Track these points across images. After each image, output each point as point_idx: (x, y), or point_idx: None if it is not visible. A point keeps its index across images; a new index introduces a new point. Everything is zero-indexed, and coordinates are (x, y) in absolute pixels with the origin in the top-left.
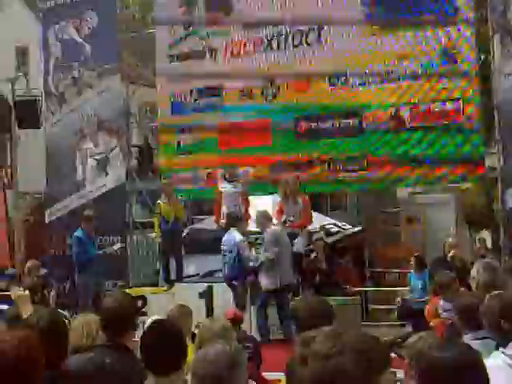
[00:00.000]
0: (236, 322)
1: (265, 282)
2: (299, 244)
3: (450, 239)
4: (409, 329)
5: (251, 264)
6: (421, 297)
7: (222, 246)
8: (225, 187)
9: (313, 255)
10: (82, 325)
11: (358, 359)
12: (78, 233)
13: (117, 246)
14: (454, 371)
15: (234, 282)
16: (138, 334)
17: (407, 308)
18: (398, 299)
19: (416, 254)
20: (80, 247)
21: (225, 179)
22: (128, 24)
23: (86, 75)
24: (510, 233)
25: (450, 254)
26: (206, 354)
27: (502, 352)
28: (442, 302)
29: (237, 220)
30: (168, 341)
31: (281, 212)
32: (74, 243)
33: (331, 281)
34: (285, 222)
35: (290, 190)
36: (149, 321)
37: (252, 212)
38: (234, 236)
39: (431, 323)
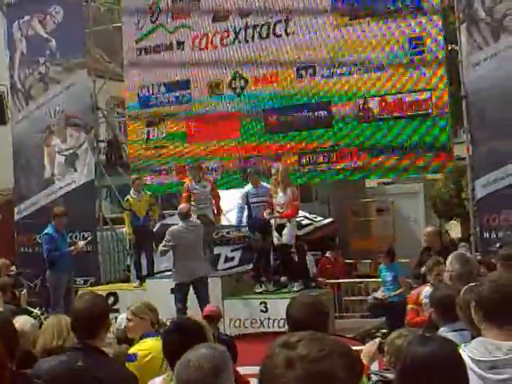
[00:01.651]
0: (213, 319)
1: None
2: (290, 236)
3: (428, 228)
4: (382, 319)
5: None
6: (391, 289)
7: None
8: (195, 188)
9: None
10: (53, 326)
11: (344, 364)
12: (49, 229)
13: (81, 244)
14: (433, 366)
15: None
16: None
17: (378, 304)
18: (369, 298)
19: (386, 248)
20: (51, 244)
21: (193, 179)
22: (94, 17)
23: (52, 70)
24: (480, 222)
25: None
26: (190, 360)
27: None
28: (427, 288)
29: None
30: (191, 340)
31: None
32: (44, 240)
33: (303, 273)
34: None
35: (281, 178)
36: (120, 317)
37: (225, 205)
38: None
39: (407, 307)
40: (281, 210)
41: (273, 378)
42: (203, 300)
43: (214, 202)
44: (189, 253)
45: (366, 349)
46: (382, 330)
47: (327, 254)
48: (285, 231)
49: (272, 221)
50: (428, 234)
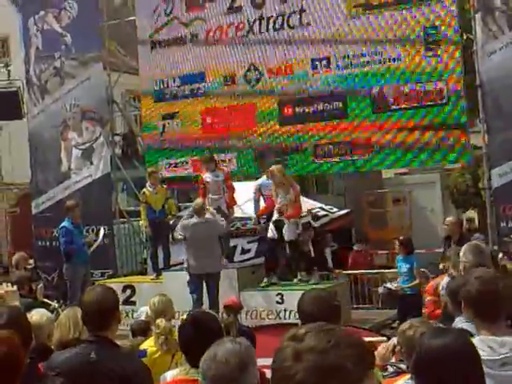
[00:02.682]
0: (233, 310)
1: None
2: (290, 232)
3: (449, 217)
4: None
5: None
6: (407, 281)
7: None
8: (208, 177)
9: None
10: (69, 318)
11: (352, 354)
12: (65, 223)
13: (99, 239)
14: (447, 358)
15: None
16: (128, 322)
17: (390, 295)
18: (380, 288)
19: (401, 238)
20: (67, 237)
21: (207, 170)
22: (109, 11)
23: (67, 65)
24: (497, 212)
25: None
26: (217, 354)
27: None
28: (445, 279)
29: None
30: (207, 333)
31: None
32: (60, 233)
33: (319, 264)
34: (279, 210)
35: (278, 180)
36: (140, 310)
37: (240, 197)
38: None
39: (426, 299)
40: (284, 207)
41: (282, 370)
42: (212, 296)
43: (227, 192)
44: (200, 247)
45: (381, 350)
46: (398, 321)
47: (356, 248)
48: (285, 228)
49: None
50: (449, 223)
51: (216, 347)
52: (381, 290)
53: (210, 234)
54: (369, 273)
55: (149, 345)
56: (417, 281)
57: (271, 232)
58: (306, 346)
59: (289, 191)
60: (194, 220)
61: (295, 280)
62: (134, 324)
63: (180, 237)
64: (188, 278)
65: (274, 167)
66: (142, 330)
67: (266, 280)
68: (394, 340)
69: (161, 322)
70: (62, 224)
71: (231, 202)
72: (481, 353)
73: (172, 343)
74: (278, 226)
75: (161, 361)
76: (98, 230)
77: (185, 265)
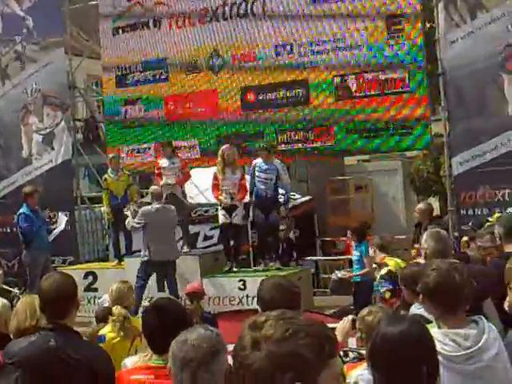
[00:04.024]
0: (196, 296)
1: None
2: (239, 216)
3: (420, 205)
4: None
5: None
6: (357, 268)
7: None
8: (164, 163)
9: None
10: (26, 306)
11: (311, 343)
12: (23, 209)
13: (61, 226)
14: (402, 345)
15: None
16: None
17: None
18: (333, 276)
19: (353, 226)
20: (26, 222)
21: (164, 156)
22: None
23: (29, 49)
24: (457, 199)
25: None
26: (188, 339)
27: None
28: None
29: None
30: (170, 321)
31: (217, 187)
32: (19, 220)
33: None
34: (230, 196)
35: (229, 160)
36: (103, 298)
37: (202, 183)
38: None
39: None
40: (232, 191)
41: (241, 358)
42: (170, 283)
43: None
44: (159, 234)
45: (340, 326)
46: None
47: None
48: (236, 212)
49: (226, 200)
50: (419, 210)
51: (187, 332)
52: (333, 276)
53: (169, 221)
54: (332, 259)
55: (108, 330)
56: (367, 268)
57: (223, 217)
58: (264, 334)
59: (236, 171)
60: (156, 206)
61: (258, 266)
62: (97, 310)
63: (137, 225)
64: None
65: (227, 146)
66: (105, 316)
67: (228, 266)
68: (350, 317)
69: (116, 308)
70: (20, 210)
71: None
72: (445, 347)
73: (129, 329)
74: (229, 210)
75: (120, 346)
76: (57, 218)
77: (143, 252)
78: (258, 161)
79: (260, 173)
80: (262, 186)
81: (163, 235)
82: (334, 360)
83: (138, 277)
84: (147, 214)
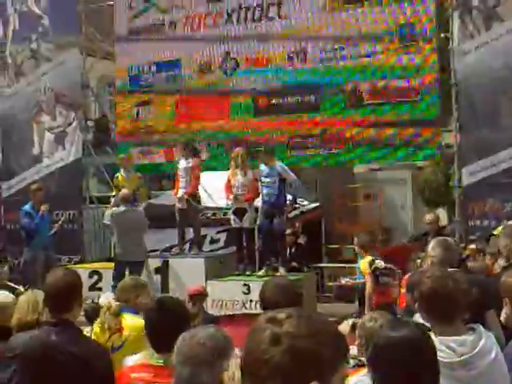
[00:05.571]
0: (199, 298)
1: None
2: (249, 219)
3: (431, 215)
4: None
5: None
6: (359, 278)
7: None
8: (181, 163)
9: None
10: (28, 301)
11: (330, 343)
12: (26, 206)
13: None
14: (402, 351)
15: None
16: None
17: (341, 289)
18: (335, 284)
19: (362, 240)
20: (26, 219)
21: (182, 156)
22: None
23: (44, 47)
24: (465, 210)
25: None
26: (195, 335)
27: None
28: None
29: None
30: (173, 320)
31: (229, 188)
32: (20, 216)
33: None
34: (235, 197)
35: (241, 161)
36: (103, 296)
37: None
38: None
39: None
40: (242, 193)
41: (256, 353)
42: None
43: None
44: (126, 235)
45: (340, 328)
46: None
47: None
48: (246, 215)
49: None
50: (431, 220)
51: (198, 330)
52: (337, 283)
53: (136, 222)
54: (337, 266)
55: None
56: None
57: (233, 222)
58: (286, 330)
59: (246, 174)
60: (122, 208)
61: (261, 272)
62: (85, 307)
63: (107, 223)
64: (157, 265)
65: (240, 148)
66: (95, 312)
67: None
68: (350, 320)
69: (105, 299)
70: (23, 207)
71: (191, 189)
72: (441, 354)
73: (110, 322)
74: (238, 213)
75: (95, 338)
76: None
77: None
78: (261, 166)
79: (263, 177)
80: (266, 191)
81: (131, 236)
82: (345, 362)
83: (112, 277)
84: (115, 215)
